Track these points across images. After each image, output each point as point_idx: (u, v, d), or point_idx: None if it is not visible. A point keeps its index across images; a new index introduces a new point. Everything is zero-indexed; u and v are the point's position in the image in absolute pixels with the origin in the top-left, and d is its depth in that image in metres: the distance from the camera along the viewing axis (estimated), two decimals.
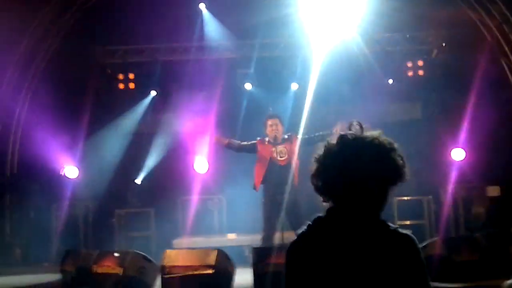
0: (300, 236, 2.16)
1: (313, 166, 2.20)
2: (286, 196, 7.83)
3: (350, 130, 2.20)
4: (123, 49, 13.02)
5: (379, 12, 11.50)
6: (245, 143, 8.48)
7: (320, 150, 2.21)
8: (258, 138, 8.42)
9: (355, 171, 2.09)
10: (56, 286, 8.36)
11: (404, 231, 2.10)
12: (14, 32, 10.79)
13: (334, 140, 2.19)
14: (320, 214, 2.16)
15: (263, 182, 8.16)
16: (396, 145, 2.15)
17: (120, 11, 11.68)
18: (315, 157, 2.21)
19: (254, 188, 8.23)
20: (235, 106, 12.89)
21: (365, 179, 2.09)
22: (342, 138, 2.18)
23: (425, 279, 2.06)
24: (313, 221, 2.17)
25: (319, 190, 2.18)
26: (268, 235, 8.13)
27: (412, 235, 2.10)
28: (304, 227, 2.18)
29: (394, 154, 2.14)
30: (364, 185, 2.09)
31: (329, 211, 2.15)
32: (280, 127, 8.29)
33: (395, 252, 2.03)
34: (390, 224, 2.12)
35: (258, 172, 8.19)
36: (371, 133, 2.18)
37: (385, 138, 2.16)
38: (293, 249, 2.16)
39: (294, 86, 13.02)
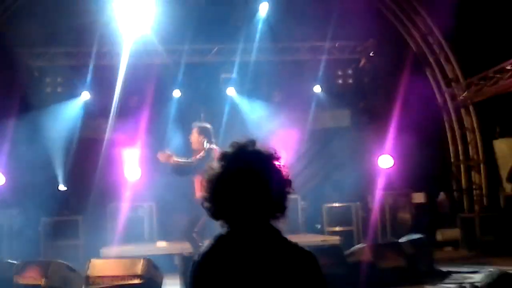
0: (202, 255, 2.11)
1: (203, 192, 2.15)
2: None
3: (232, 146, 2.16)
4: (51, 52, 12.71)
5: (303, 21, 11.73)
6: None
7: (206, 174, 2.15)
8: None
9: (243, 188, 2.06)
10: None
11: (305, 248, 2.09)
12: None
13: (216, 162, 2.14)
14: (221, 231, 2.12)
15: None
16: (278, 153, 2.13)
17: (49, 13, 11.43)
18: (203, 182, 2.16)
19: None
20: (166, 113, 12.83)
21: (254, 194, 2.05)
22: (224, 157, 2.14)
23: None
24: (215, 239, 2.13)
25: (213, 213, 2.13)
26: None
27: (312, 252, 2.09)
28: (205, 246, 2.14)
29: (277, 163, 2.12)
30: (254, 200, 2.06)
31: (230, 227, 2.11)
32: (193, 137, 7.83)
33: (297, 269, 2.03)
34: (288, 239, 2.10)
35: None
36: (250, 144, 2.14)
37: (266, 148, 2.13)
38: (196, 268, 2.10)
39: (230, 92, 13.07)
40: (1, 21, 12.20)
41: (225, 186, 2.09)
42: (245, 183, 2.06)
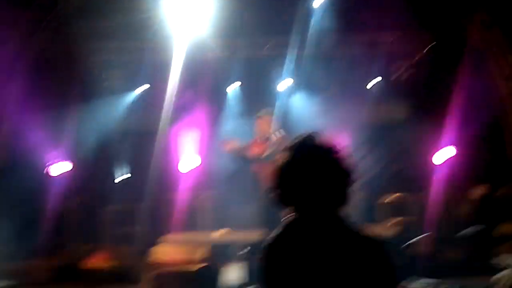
0: (271, 241, 2.26)
1: (271, 179, 2.31)
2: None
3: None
4: (108, 47, 12.97)
5: (358, 14, 11.65)
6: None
7: (274, 163, 2.33)
8: None
9: (309, 177, 2.20)
10: (45, 282, 8.31)
11: (373, 235, 2.21)
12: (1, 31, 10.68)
13: (284, 152, 2.31)
14: (288, 218, 2.26)
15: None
16: (339, 145, 2.29)
17: (106, 10, 11.66)
18: (271, 171, 2.33)
19: None
20: (221, 106, 12.97)
21: (318, 182, 2.19)
22: (290, 148, 2.30)
23: (394, 283, 2.15)
24: (283, 226, 2.26)
25: (280, 199, 2.28)
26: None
27: (380, 239, 2.19)
28: (275, 230, 2.28)
29: (338, 154, 2.26)
30: (319, 188, 2.19)
31: (296, 215, 2.24)
32: (266, 125, 8.16)
33: (365, 255, 2.12)
34: (355, 226, 2.22)
35: None
36: (314, 136, 2.31)
37: (328, 139, 2.30)
38: (265, 253, 2.25)
39: (285, 85, 13.12)
40: (60, 19, 12.50)
41: (291, 175, 2.24)
42: (310, 172, 2.21)
